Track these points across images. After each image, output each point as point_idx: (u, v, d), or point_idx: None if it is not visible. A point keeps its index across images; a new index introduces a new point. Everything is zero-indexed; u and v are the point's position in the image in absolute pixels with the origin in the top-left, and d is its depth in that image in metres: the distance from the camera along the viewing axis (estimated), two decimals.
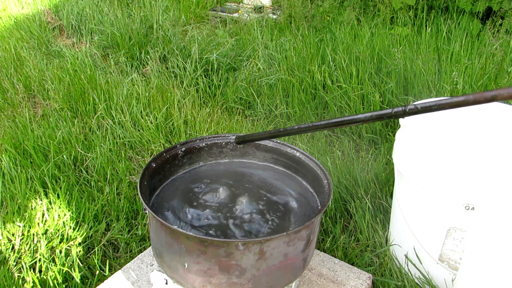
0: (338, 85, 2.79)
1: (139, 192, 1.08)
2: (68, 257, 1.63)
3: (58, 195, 1.92)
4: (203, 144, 1.39)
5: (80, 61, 3.46)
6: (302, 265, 1.14)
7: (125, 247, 1.73)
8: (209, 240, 0.98)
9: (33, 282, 1.51)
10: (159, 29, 3.75)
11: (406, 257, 1.54)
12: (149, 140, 2.43)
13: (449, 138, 1.45)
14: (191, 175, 1.36)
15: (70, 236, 1.74)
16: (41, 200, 1.88)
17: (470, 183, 1.27)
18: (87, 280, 1.57)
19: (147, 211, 1.06)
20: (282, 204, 1.24)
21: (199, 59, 3.29)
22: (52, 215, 1.80)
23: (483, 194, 1.22)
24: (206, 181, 1.32)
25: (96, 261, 1.61)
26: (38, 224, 1.76)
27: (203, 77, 3.18)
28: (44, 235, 1.72)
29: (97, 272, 1.56)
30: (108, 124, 2.55)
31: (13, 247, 1.67)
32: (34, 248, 1.67)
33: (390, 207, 1.74)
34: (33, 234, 1.71)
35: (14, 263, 1.61)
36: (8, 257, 1.62)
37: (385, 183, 1.98)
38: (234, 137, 1.41)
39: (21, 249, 1.67)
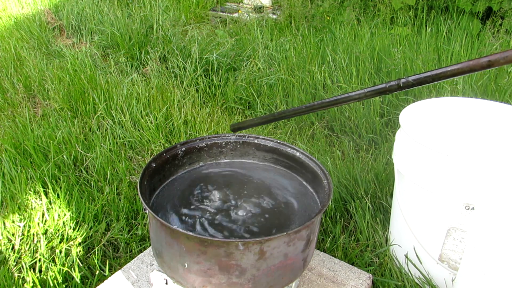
0: (338, 85, 2.79)
1: (139, 192, 1.08)
2: (68, 257, 1.63)
3: (58, 195, 1.92)
4: (203, 144, 1.39)
5: (80, 61, 3.46)
6: (302, 265, 1.14)
7: (125, 247, 1.73)
8: (209, 240, 0.98)
9: (33, 282, 1.51)
10: (159, 29, 3.75)
11: (406, 257, 1.54)
12: (149, 140, 2.43)
13: (449, 138, 1.45)
14: (191, 175, 1.36)
15: (70, 236, 1.74)
16: (41, 200, 1.88)
17: (470, 183, 1.27)
18: (87, 280, 1.57)
19: (147, 211, 1.06)
20: (282, 204, 1.24)
21: (199, 59, 3.29)
22: (52, 215, 1.80)
23: (483, 194, 1.22)
24: (206, 181, 1.32)
25: (96, 261, 1.61)
26: (38, 224, 1.76)
27: (203, 77, 3.18)
28: (44, 235, 1.72)
29: (97, 272, 1.56)
30: (108, 124, 2.55)
31: (13, 247, 1.67)
32: (34, 248, 1.67)
33: (390, 207, 1.74)
34: (33, 234, 1.71)
35: (14, 263, 1.61)
36: (8, 257, 1.62)
37: (385, 183, 1.98)
38: (234, 137, 1.41)
39: (21, 249, 1.67)
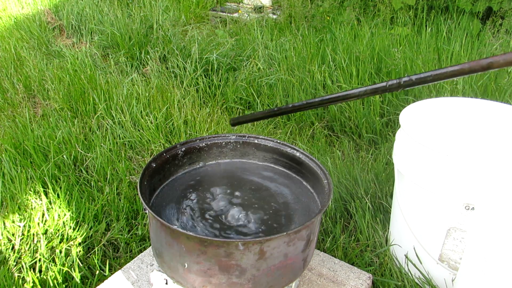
0: (338, 85, 2.79)
1: (139, 192, 1.08)
2: (68, 257, 1.63)
3: (58, 195, 1.92)
4: (203, 144, 1.39)
5: (80, 61, 3.46)
6: (302, 265, 1.14)
7: (125, 247, 1.73)
8: (209, 240, 0.98)
9: (33, 282, 1.51)
10: (159, 29, 3.75)
11: (406, 257, 1.54)
12: (149, 140, 2.43)
13: (449, 138, 1.45)
14: (191, 175, 1.35)
15: (70, 236, 1.74)
16: (41, 200, 1.88)
17: (470, 183, 1.27)
18: (87, 280, 1.57)
19: (147, 211, 1.06)
20: (282, 204, 1.24)
21: (199, 59, 3.29)
22: (52, 215, 1.80)
23: (483, 194, 1.22)
24: (206, 181, 1.32)
25: (96, 261, 1.61)
26: (38, 224, 1.76)
27: (203, 77, 3.18)
28: (44, 235, 1.72)
29: (97, 272, 1.56)
30: (108, 124, 2.55)
31: (13, 247, 1.67)
32: (34, 248, 1.67)
33: (390, 207, 1.74)
34: (33, 234, 1.71)
35: (14, 263, 1.61)
36: (8, 257, 1.62)
37: (385, 183, 1.98)
38: (234, 137, 1.41)
39: (21, 249, 1.67)
